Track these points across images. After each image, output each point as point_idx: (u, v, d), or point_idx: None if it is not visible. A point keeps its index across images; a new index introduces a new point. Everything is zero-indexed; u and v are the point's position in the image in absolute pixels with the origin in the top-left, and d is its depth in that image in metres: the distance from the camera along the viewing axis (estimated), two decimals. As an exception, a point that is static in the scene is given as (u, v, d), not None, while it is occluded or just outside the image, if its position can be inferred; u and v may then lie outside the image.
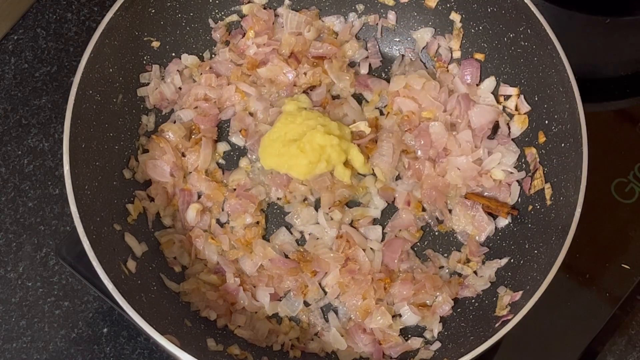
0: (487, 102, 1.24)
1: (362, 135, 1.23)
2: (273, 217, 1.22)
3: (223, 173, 1.23)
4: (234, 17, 1.29)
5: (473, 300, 1.15)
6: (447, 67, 1.29)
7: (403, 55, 1.31)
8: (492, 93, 1.25)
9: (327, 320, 1.16)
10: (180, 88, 1.25)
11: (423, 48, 1.30)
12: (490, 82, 1.25)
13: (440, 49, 1.29)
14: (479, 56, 1.26)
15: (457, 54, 1.28)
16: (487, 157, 1.21)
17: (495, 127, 1.24)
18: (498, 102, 1.24)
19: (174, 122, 1.24)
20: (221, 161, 1.25)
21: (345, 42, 1.30)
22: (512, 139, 1.22)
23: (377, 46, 1.32)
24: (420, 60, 1.31)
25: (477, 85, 1.26)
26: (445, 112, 1.24)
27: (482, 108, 1.23)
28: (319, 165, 1.18)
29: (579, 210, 1.04)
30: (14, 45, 1.42)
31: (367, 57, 1.31)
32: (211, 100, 1.25)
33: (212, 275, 1.15)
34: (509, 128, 1.23)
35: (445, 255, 1.20)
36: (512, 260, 1.15)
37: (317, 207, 1.21)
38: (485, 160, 1.21)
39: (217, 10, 1.28)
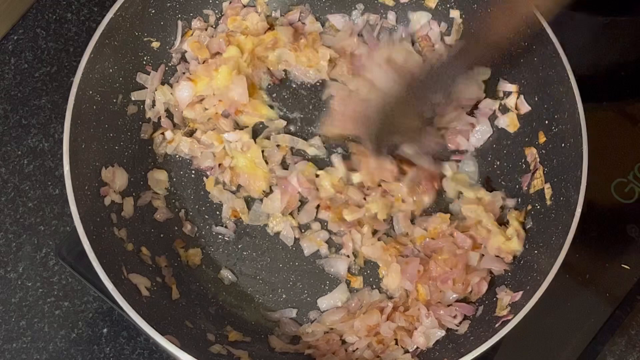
0: (476, 81, 1.25)
1: None
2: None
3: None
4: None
5: (473, 300, 1.16)
6: (433, 46, 1.29)
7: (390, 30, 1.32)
8: (488, 85, 1.25)
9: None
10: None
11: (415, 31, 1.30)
12: (484, 70, 1.25)
13: (431, 32, 1.29)
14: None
15: (449, 41, 1.28)
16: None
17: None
18: (498, 97, 1.24)
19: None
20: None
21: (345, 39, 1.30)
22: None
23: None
24: (412, 41, 1.31)
25: None
26: None
27: (467, 84, 1.23)
28: None
29: (579, 210, 1.04)
30: (14, 45, 1.41)
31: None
32: None
33: None
34: (497, 115, 1.24)
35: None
36: (512, 260, 1.15)
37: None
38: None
39: (217, 11, 1.28)
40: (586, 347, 1.18)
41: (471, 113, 1.25)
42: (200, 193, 1.22)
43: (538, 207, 1.15)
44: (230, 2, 1.28)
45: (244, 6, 1.28)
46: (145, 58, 1.22)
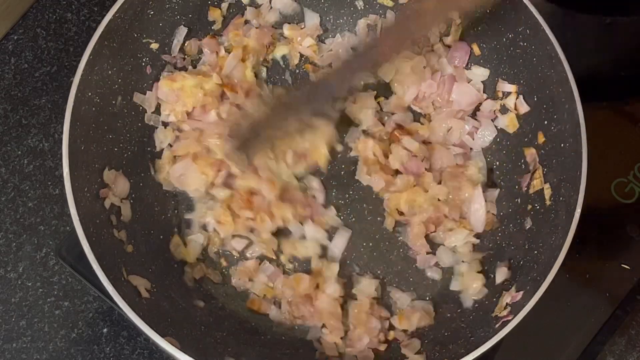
0: (475, 86, 1.25)
1: None
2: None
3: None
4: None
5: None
6: (432, 47, 1.29)
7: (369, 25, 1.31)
8: (487, 86, 1.25)
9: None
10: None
11: None
12: (483, 71, 1.25)
13: (430, 32, 1.28)
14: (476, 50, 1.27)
15: (448, 41, 1.28)
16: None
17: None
18: (497, 97, 1.24)
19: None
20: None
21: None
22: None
23: None
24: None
25: (464, 67, 1.27)
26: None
27: (466, 87, 1.24)
28: None
29: (579, 210, 1.04)
30: (14, 45, 1.42)
31: None
32: None
33: None
34: (496, 116, 1.24)
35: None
36: (512, 261, 1.16)
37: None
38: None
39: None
40: (586, 347, 1.19)
41: (473, 114, 1.26)
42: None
43: (538, 207, 1.15)
44: (233, 17, 1.28)
45: (246, 22, 1.28)
46: (144, 59, 1.21)
